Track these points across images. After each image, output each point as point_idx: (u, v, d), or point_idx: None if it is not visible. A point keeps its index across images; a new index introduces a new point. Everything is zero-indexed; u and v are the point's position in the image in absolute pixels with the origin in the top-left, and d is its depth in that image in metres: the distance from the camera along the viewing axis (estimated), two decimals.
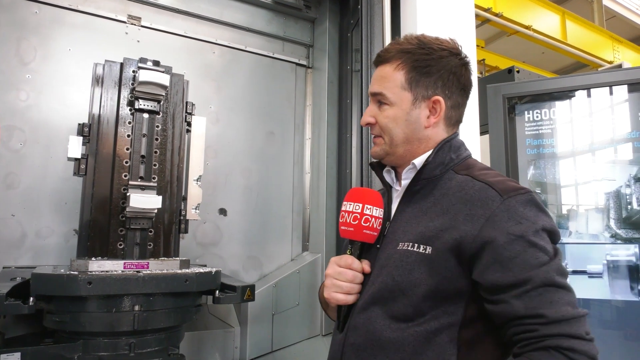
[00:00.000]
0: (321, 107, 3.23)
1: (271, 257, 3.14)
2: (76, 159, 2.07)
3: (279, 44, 3.32)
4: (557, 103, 2.34)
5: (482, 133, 2.39)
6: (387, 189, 1.24)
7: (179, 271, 1.92)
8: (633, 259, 2.09)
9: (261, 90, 3.21)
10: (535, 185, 2.33)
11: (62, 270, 1.80)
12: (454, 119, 1.20)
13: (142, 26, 2.85)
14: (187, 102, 2.31)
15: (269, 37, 3.27)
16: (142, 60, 2.13)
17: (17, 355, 1.68)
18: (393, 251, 1.10)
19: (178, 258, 2.09)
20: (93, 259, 1.90)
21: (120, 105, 2.12)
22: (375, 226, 1.13)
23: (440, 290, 1.01)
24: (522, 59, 8.30)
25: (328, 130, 3.15)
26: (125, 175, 2.07)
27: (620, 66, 4.45)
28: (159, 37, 2.89)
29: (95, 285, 1.69)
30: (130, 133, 2.11)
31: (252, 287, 2.07)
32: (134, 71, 2.15)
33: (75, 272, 1.74)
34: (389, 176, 1.25)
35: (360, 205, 1.13)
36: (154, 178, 2.12)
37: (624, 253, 2.11)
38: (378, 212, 1.13)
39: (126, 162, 2.08)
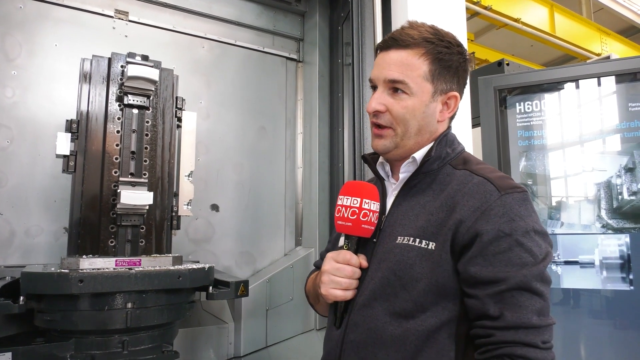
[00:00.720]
0: (312, 101, 3.21)
1: (264, 252, 3.13)
2: (65, 156, 2.03)
3: (268, 38, 3.30)
4: (547, 95, 2.35)
5: (474, 126, 2.40)
6: (381, 182, 1.23)
7: (172, 268, 1.90)
8: (624, 248, 2.11)
9: (252, 84, 3.19)
10: (527, 177, 2.34)
11: (52, 269, 1.77)
12: (455, 114, 1.21)
13: (130, 21, 2.81)
14: (177, 97, 2.28)
15: (258, 31, 3.24)
16: (131, 55, 2.10)
17: (8, 355, 1.66)
18: (392, 245, 1.09)
19: (170, 254, 2.07)
20: (84, 256, 1.88)
21: (109, 101, 2.08)
22: (372, 220, 1.11)
23: (440, 285, 1.01)
24: (511, 51, 8.34)
25: (320, 125, 3.14)
26: (116, 172, 2.04)
27: (608, 58, 4.48)
28: (147, 31, 2.86)
29: (86, 283, 1.67)
30: (119, 129, 2.08)
31: (245, 283, 2.06)
32: (122, 66, 2.11)
33: (66, 271, 1.71)
34: (382, 169, 1.24)
35: (359, 199, 1.10)
36: (144, 174, 2.09)
37: (615, 243, 2.13)
38: (375, 206, 1.12)
39: (116, 159, 2.05)
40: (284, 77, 3.34)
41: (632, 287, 2.09)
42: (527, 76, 2.41)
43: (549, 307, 0.97)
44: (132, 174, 2.06)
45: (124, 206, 1.93)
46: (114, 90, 2.09)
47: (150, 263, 1.91)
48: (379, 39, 2.23)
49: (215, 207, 2.97)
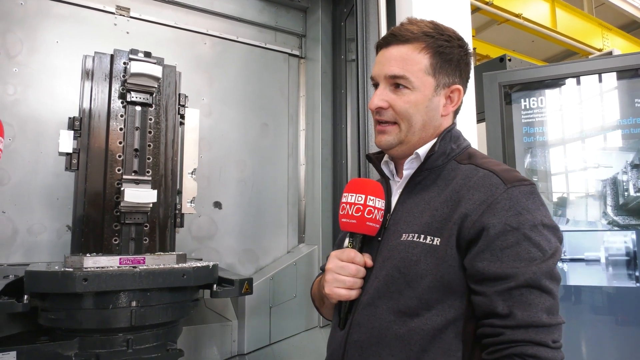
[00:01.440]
0: (315, 97, 3.20)
1: (267, 249, 3.12)
2: (67, 154, 2.02)
3: (271, 34, 3.28)
4: (550, 90, 2.33)
5: (478, 121, 2.38)
6: (385, 181, 1.21)
7: (176, 266, 1.89)
8: (630, 245, 2.10)
9: (254, 81, 3.17)
10: (532, 174, 2.33)
11: (56, 267, 1.76)
12: (459, 109, 1.20)
13: (131, 17, 2.79)
14: (179, 94, 2.27)
15: (260, 27, 3.22)
16: (133, 51, 2.08)
17: (13, 354, 1.65)
18: (396, 243, 1.07)
19: (174, 252, 2.06)
20: (88, 255, 1.87)
21: (112, 98, 2.07)
22: (377, 218, 1.10)
23: (445, 281, 0.99)
24: (513, 47, 8.30)
25: (322, 121, 3.12)
26: (119, 170, 2.03)
27: (610, 54, 4.46)
28: (149, 28, 2.84)
29: (91, 281, 1.66)
30: (122, 126, 2.06)
31: (250, 281, 2.05)
32: (125, 63, 2.10)
33: (70, 269, 1.70)
34: (387, 168, 1.22)
35: (363, 196, 1.09)
36: (148, 172, 2.08)
37: (621, 239, 2.12)
38: (380, 203, 1.10)
39: (119, 156, 2.04)
40: (286, 73, 3.32)
41: (638, 284, 2.08)
42: (532, 72, 2.39)
43: (558, 305, 0.96)
44: (135, 172, 2.05)
45: (127, 204, 1.92)
46: (116, 87, 2.08)
47: (154, 261, 1.91)
48: (384, 34, 2.21)
49: (218, 205, 2.96)
